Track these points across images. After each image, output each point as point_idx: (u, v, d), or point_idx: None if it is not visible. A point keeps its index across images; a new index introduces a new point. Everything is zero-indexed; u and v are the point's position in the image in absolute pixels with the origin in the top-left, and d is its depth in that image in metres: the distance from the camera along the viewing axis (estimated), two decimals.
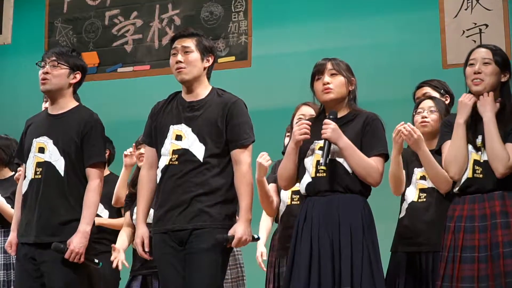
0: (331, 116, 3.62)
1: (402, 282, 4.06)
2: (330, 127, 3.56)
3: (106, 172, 5.44)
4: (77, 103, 4.19)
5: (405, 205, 4.15)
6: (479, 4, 5.95)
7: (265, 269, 4.72)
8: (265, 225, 4.75)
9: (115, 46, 6.85)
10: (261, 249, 4.71)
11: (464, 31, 5.96)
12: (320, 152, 3.60)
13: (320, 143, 3.62)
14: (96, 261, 4.06)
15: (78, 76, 4.17)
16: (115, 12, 6.90)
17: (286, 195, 4.31)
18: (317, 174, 3.61)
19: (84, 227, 3.97)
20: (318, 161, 3.60)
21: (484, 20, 5.93)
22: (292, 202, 4.29)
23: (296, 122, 4.09)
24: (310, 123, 3.65)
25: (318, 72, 3.70)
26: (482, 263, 3.49)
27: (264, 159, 4.24)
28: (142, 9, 6.84)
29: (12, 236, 4.15)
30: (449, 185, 3.79)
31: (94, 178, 4.04)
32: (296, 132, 3.62)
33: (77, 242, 3.94)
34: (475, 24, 5.94)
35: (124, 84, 6.86)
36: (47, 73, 4.09)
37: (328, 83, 3.66)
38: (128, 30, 6.84)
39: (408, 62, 6.25)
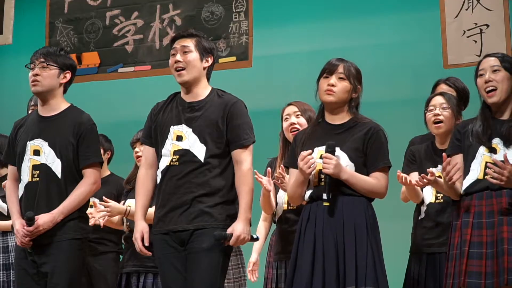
0: (329, 149, 3.59)
1: (422, 283, 4.08)
2: (331, 163, 3.55)
3: (107, 172, 5.44)
4: (68, 104, 4.18)
5: (423, 208, 4.16)
6: (480, 4, 5.93)
7: (252, 279, 4.71)
8: (262, 231, 4.71)
9: (116, 46, 6.84)
10: (253, 260, 4.65)
11: (465, 31, 5.94)
12: (321, 161, 3.59)
13: (321, 150, 3.62)
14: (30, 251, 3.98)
15: (68, 76, 4.16)
16: (116, 12, 6.89)
17: (282, 200, 4.30)
18: (320, 183, 3.63)
19: (56, 215, 3.93)
20: (320, 170, 3.61)
21: (485, 20, 5.91)
22: (289, 207, 4.28)
23: (291, 130, 4.18)
24: (313, 156, 3.60)
25: (328, 71, 3.71)
26: (489, 260, 3.50)
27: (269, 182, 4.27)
28: (143, 9, 6.82)
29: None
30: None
31: (90, 177, 4.03)
32: (304, 168, 3.59)
33: (44, 221, 3.92)
34: (476, 24, 5.92)
35: (125, 84, 6.86)
36: (37, 74, 4.07)
37: (332, 85, 3.67)
38: (129, 31, 6.83)
39: (408, 62, 6.25)
